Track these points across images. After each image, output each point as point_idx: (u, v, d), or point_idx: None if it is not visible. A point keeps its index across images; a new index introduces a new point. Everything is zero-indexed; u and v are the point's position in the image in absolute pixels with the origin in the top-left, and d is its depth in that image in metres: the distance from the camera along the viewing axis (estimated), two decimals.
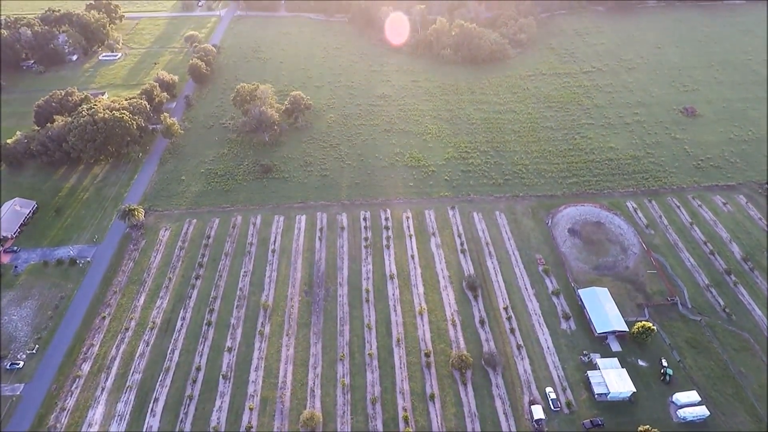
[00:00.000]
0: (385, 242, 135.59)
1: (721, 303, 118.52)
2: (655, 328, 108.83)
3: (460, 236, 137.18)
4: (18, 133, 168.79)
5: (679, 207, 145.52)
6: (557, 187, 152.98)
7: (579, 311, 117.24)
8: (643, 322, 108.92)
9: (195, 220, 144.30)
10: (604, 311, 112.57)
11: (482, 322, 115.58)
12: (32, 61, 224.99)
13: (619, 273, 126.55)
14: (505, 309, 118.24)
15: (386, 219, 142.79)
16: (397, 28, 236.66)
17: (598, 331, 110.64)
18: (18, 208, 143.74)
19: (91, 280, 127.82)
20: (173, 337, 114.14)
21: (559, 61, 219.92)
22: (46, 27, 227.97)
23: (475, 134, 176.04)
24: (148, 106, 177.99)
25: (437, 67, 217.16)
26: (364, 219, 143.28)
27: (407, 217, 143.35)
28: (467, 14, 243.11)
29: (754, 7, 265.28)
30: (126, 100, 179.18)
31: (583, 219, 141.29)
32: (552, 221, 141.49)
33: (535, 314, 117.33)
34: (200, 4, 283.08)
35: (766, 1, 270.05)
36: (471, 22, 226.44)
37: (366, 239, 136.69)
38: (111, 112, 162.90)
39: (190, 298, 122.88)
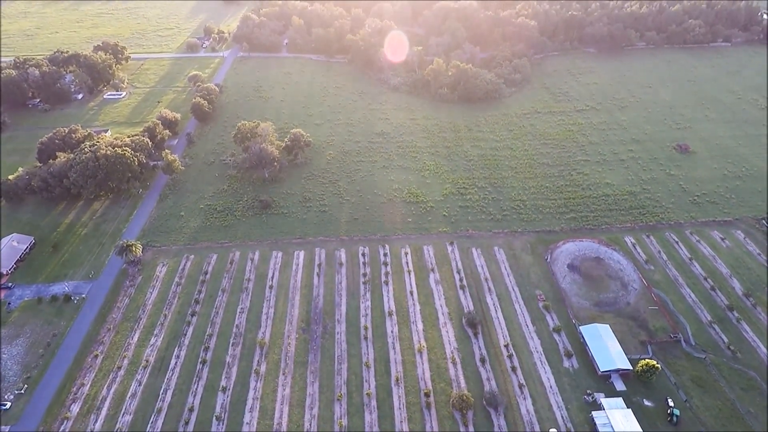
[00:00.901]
0: (383, 278, 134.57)
1: (725, 340, 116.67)
2: (659, 366, 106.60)
3: (459, 272, 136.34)
4: (20, 169, 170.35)
5: (677, 242, 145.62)
6: (555, 223, 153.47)
7: (581, 348, 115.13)
8: (647, 360, 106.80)
9: (193, 256, 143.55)
10: (607, 349, 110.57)
11: (483, 360, 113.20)
12: (38, 100, 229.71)
13: (621, 309, 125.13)
14: (506, 346, 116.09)
15: (385, 255, 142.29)
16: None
17: (602, 370, 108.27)
18: (15, 244, 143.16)
19: (85, 317, 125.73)
20: (166, 376, 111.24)
21: (554, 99, 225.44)
22: (53, 67, 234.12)
23: (472, 170, 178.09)
24: (149, 143, 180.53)
25: (435, 105, 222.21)
26: (363, 255, 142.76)
27: (406, 253, 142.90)
28: (463, 55, 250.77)
29: (739, 50, 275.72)
30: (128, 137, 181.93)
31: (583, 254, 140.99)
32: (551, 257, 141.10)
33: (537, 352, 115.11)
34: (204, 45, 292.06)
35: (758, 45, 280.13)
36: (467, 63, 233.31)
37: (364, 275, 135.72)
38: (113, 148, 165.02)
39: (185, 335, 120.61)
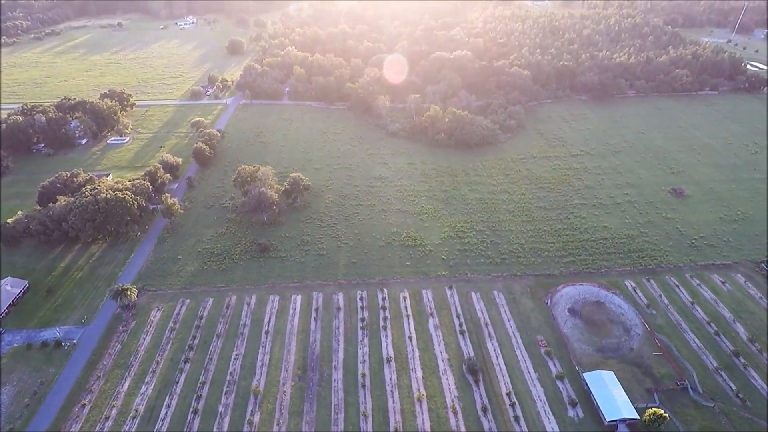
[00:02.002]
0: (382, 323, 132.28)
1: (733, 387, 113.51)
2: (667, 415, 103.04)
3: (458, 317, 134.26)
4: (19, 212, 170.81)
5: (678, 286, 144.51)
6: (554, 266, 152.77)
7: (585, 396, 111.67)
8: (654, 409, 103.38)
9: (188, 300, 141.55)
10: (612, 397, 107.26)
11: (485, 410, 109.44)
12: (42, 145, 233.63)
13: (624, 355, 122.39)
14: (508, 395, 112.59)
15: (383, 299, 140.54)
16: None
17: (608, 419, 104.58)
18: (9, 288, 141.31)
19: (75, 364, 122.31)
20: (156, 427, 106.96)
21: (548, 145, 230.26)
22: (60, 114, 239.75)
23: (470, 214, 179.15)
24: (150, 187, 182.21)
25: (432, 150, 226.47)
26: (361, 299, 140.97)
27: (404, 297, 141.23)
28: (459, 103, 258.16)
29: (726, 98, 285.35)
30: (129, 181, 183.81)
31: (583, 298, 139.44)
32: (551, 301, 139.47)
33: (540, 401, 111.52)
34: (208, 93, 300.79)
35: (744, 93, 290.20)
36: (463, 110, 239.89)
37: (362, 320, 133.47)
38: (113, 192, 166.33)
39: (177, 383, 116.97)
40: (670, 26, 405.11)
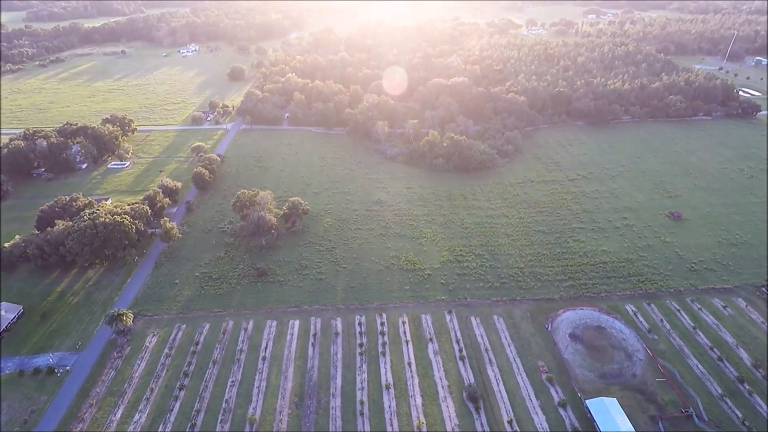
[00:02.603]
0: (380, 348, 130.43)
1: (739, 415, 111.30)
2: None
3: (458, 342, 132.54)
4: (17, 236, 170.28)
5: (679, 310, 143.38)
6: (554, 291, 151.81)
7: (588, 424, 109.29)
8: None
9: (185, 326, 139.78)
10: (616, 425, 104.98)
11: None
12: (43, 169, 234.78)
13: (627, 381, 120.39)
14: (510, 423, 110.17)
15: (382, 324, 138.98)
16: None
17: None
18: (3, 313, 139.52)
19: (67, 392, 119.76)
20: None
21: (546, 169, 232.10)
22: (61, 139, 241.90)
23: (469, 238, 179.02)
24: (149, 211, 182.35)
25: (431, 175, 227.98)
26: (359, 324, 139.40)
27: (403, 322, 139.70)
28: (457, 128, 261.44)
29: (719, 123, 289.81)
30: (128, 205, 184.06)
31: (584, 323, 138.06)
32: (552, 326, 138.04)
33: (542, 429, 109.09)
34: (209, 118, 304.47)
35: (737, 119, 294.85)
36: (461, 135, 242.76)
37: (361, 345, 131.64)
38: (112, 216, 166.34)
39: (172, 411, 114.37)
40: (662, 54, 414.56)
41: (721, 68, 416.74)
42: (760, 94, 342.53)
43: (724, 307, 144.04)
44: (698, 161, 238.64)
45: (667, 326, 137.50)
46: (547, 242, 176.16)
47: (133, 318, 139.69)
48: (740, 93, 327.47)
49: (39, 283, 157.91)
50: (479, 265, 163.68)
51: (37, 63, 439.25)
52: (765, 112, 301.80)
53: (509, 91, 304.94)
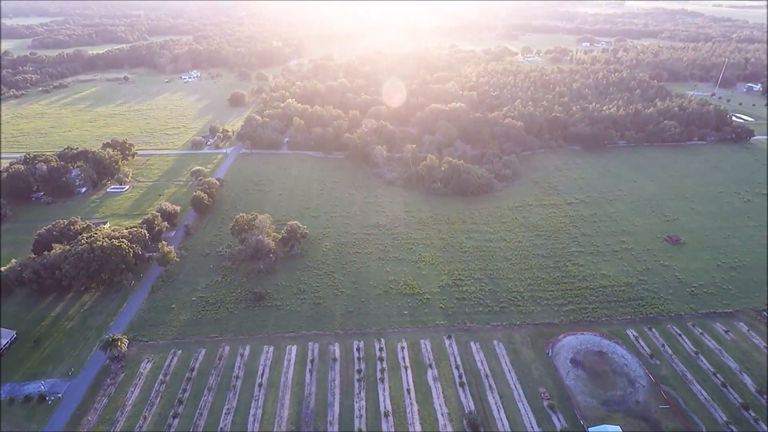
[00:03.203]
0: (379, 375, 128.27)
1: None
2: None
3: (458, 368, 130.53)
4: (13, 260, 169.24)
5: (680, 335, 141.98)
6: (554, 315, 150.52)
7: None
8: None
9: (180, 351, 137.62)
10: None
11: None
12: (42, 193, 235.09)
13: (630, 408, 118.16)
14: None
15: (380, 349, 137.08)
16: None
17: None
18: None
19: (58, 420, 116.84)
20: None
21: (544, 193, 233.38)
22: (62, 163, 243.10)
23: (468, 262, 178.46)
24: (147, 235, 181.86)
25: (429, 198, 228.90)
26: (358, 349, 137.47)
27: (402, 347, 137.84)
28: (455, 152, 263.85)
29: (714, 148, 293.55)
30: (126, 228, 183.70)
31: (585, 348, 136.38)
32: (552, 351, 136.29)
33: None
34: (209, 143, 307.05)
35: (731, 143, 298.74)
36: (459, 159, 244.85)
37: (359, 371, 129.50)
38: (109, 240, 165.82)
39: None
40: (655, 80, 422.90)
41: (713, 94, 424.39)
42: (752, 119, 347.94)
43: (726, 332, 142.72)
44: (694, 185, 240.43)
45: (669, 351, 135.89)
46: (546, 266, 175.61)
47: (128, 343, 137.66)
48: (733, 118, 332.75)
49: (34, 308, 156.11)
50: (478, 290, 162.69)
51: (41, 89, 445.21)
52: (759, 137, 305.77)
53: (506, 116, 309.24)
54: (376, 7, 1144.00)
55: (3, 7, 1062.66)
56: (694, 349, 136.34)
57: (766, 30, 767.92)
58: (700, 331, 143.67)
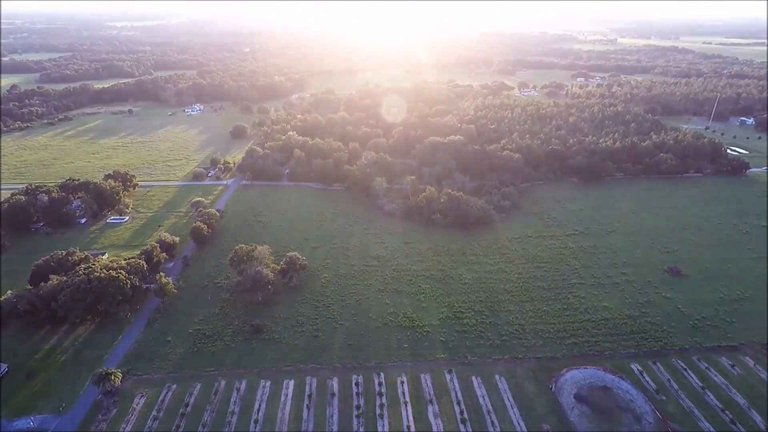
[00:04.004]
0: (378, 411, 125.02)
1: None
2: None
3: (459, 403, 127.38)
4: (9, 292, 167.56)
5: (686, 369, 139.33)
6: (557, 349, 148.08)
7: None
8: None
9: (175, 386, 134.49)
10: None
11: None
12: (41, 224, 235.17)
13: None
14: None
15: (380, 384, 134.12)
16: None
17: None
18: None
19: None
20: None
21: (543, 225, 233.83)
22: (63, 194, 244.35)
23: (468, 294, 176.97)
24: (145, 266, 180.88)
25: (428, 230, 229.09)
26: (356, 384, 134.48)
27: (402, 382, 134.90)
28: (454, 184, 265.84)
29: (710, 180, 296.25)
30: (125, 260, 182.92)
31: (588, 383, 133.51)
32: (556, 386, 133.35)
33: None
34: (210, 174, 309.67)
35: (727, 175, 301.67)
36: (458, 191, 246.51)
37: (358, 407, 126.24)
38: (107, 271, 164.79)
39: None
40: (650, 114, 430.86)
41: (707, 127, 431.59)
42: (747, 152, 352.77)
43: (732, 366, 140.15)
44: (693, 217, 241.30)
45: (675, 386, 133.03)
46: (547, 298, 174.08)
47: (122, 377, 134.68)
48: (728, 151, 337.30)
49: (27, 340, 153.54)
50: (479, 322, 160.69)
51: (46, 121, 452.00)
52: (755, 170, 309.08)
53: (504, 148, 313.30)
54: (376, 44, 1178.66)
55: (13, 43, 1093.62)
56: (701, 384, 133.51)
57: (755, 66, 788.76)
58: (706, 365, 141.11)
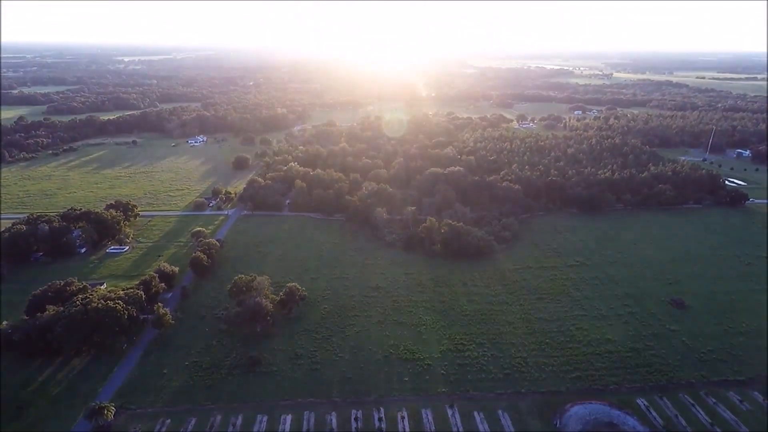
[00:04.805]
0: None
1: None
2: None
3: None
4: (4, 323, 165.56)
5: (693, 405, 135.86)
6: (561, 383, 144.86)
7: None
8: None
9: (169, 420, 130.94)
10: None
11: None
12: (41, 253, 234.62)
13: None
14: None
15: (380, 419, 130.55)
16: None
17: None
18: None
19: None
20: None
21: (544, 255, 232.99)
22: (64, 223, 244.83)
23: (469, 326, 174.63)
24: (143, 296, 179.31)
25: (429, 260, 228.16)
26: (356, 419, 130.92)
27: (402, 417, 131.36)
28: (454, 215, 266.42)
29: (710, 211, 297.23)
30: (123, 290, 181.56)
31: (594, 419, 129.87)
32: (560, 422, 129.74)
33: None
34: (211, 204, 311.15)
35: (727, 207, 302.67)
36: (458, 222, 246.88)
37: None
38: (105, 301, 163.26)
39: None
40: (647, 146, 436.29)
41: (704, 159, 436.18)
42: (745, 183, 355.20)
43: (741, 401, 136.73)
44: (694, 248, 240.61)
45: (683, 422, 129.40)
46: (549, 330, 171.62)
47: (115, 411, 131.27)
48: (727, 182, 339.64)
49: (20, 372, 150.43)
50: (481, 355, 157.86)
51: (51, 152, 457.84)
52: (754, 201, 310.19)
53: (504, 179, 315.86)
54: (377, 78, 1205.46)
55: (23, 76, 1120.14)
56: (710, 421, 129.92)
57: (748, 100, 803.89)
58: (714, 400, 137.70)
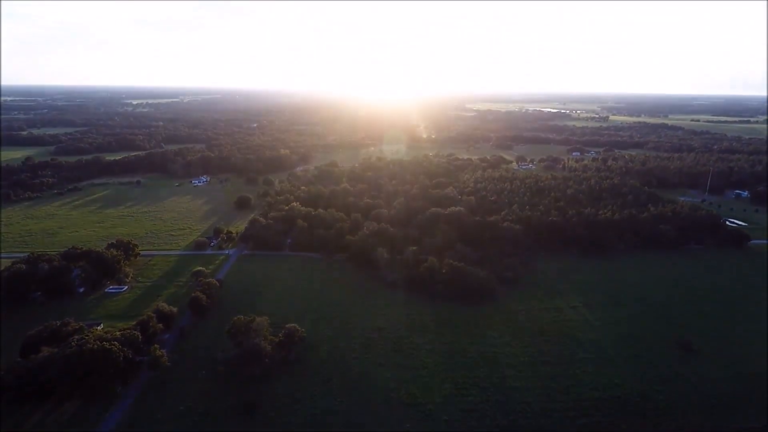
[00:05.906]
0: None
1: None
2: None
3: None
4: None
5: None
6: (568, 429, 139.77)
7: None
8: None
9: None
10: None
11: None
12: (39, 293, 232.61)
13: None
14: None
15: None
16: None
17: None
18: None
19: None
20: None
21: (547, 296, 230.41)
22: (65, 262, 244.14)
23: (472, 369, 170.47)
24: (140, 337, 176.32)
25: (431, 301, 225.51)
26: None
27: None
28: (455, 255, 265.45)
29: (712, 251, 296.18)
30: (119, 331, 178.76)
31: None
32: None
33: None
34: (212, 244, 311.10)
35: (729, 247, 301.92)
36: (460, 262, 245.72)
37: None
38: (101, 342, 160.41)
39: None
40: (646, 187, 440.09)
41: (704, 200, 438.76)
42: (746, 224, 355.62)
43: None
44: (699, 289, 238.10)
45: None
46: (554, 374, 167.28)
47: None
48: (728, 223, 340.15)
49: (10, 417, 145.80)
50: (484, 400, 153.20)
51: (55, 191, 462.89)
52: (756, 242, 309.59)
53: (505, 219, 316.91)
54: (378, 116, 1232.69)
55: (33, 119, 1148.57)
56: None
57: (743, 142, 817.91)
58: None
